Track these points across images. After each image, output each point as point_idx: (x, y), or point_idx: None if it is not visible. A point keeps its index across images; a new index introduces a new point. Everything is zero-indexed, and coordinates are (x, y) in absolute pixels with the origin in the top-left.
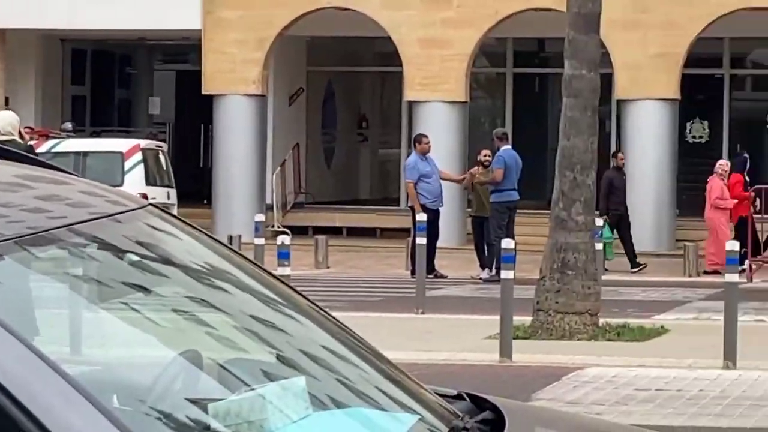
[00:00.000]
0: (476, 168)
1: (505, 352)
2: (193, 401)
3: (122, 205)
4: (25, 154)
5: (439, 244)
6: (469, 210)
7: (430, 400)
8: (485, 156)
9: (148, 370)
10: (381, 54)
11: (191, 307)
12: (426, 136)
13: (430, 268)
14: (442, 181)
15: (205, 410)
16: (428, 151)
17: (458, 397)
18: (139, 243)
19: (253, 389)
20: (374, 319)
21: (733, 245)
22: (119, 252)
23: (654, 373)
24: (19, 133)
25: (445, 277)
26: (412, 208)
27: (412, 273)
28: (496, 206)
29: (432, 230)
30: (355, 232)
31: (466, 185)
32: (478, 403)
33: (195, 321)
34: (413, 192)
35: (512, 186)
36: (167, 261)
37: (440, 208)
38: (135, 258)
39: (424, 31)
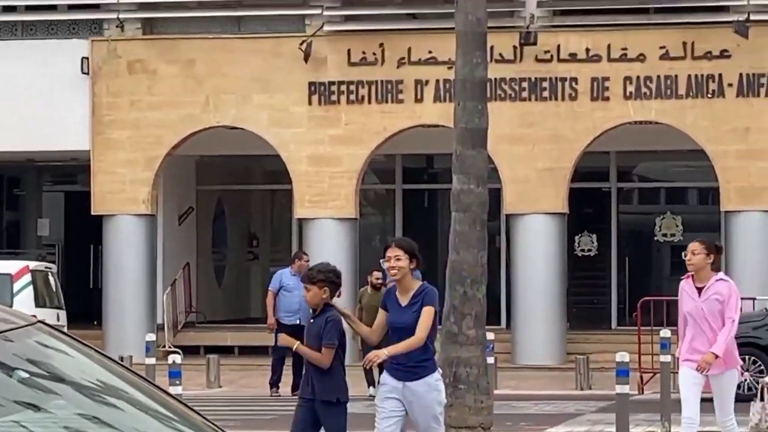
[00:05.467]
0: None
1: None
2: None
3: (11, 322)
4: None
5: None
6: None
7: None
8: (377, 278)
9: None
10: (270, 172)
11: (84, 425)
12: (306, 254)
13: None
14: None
15: None
16: (305, 270)
17: None
18: (30, 360)
19: None
20: None
21: (623, 356)
22: (9, 369)
23: None
24: None
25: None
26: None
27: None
28: None
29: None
30: (246, 351)
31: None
32: None
33: None
34: (270, 301)
35: None
36: (58, 378)
37: (300, 323)
38: (25, 375)
39: (313, 148)
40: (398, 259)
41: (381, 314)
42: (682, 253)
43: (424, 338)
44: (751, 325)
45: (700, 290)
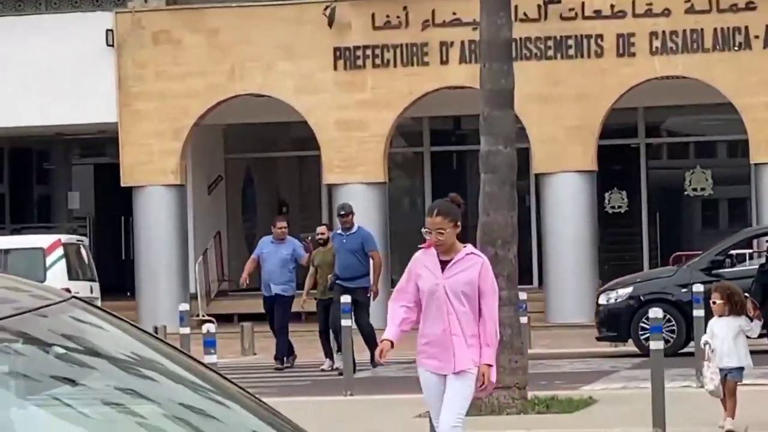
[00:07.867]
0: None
1: (434, 430)
2: None
3: (46, 299)
4: None
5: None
6: (314, 292)
7: None
8: (320, 234)
9: None
10: (298, 138)
11: (121, 398)
12: (281, 221)
13: (278, 354)
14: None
15: None
16: (281, 236)
17: None
18: (65, 336)
19: None
20: (303, 403)
21: (656, 312)
22: (45, 346)
23: None
24: None
25: (290, 366)
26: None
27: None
28: (367, 289)
29: (269, 316)
30: None
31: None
32: None
33: (125, 412)
34: (247, 265)
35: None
36: (94, 353)
37: (279, 294)
38: (61, 351)
39: (340, 113)
40: None
41: None
42: (422, 230)
43: None
44: (662, 283)
45: (444, 264)
